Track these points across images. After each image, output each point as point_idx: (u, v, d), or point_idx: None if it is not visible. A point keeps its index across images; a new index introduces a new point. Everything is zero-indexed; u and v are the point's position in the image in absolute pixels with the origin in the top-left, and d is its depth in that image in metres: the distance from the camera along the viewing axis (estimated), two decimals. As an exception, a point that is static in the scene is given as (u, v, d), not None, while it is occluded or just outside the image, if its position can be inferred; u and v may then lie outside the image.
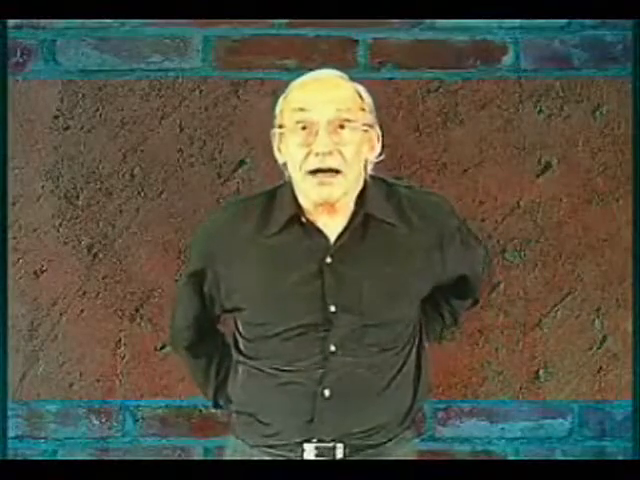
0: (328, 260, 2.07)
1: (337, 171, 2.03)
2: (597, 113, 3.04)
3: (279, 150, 2.12)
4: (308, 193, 2.05)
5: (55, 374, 3.04)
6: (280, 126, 2.10)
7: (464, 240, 2.21)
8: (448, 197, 2.26)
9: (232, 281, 2.13)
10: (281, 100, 2.13)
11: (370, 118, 2.10)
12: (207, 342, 2.25)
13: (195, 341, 2.24)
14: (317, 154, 2.03)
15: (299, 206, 2.10)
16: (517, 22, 3.00)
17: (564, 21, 3.00)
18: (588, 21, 2.99)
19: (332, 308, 2.07)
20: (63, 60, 3.02)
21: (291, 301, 2.08)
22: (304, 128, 2.05)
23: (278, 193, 2.14)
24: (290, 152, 2.07)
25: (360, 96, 2.10)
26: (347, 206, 2.10)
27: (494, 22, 3.00)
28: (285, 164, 2.11)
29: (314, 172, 2.03)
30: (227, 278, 2.13)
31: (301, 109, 2.06)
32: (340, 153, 2.04)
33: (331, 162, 2.03)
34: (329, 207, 2.07)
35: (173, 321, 2.28)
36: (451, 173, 3.03)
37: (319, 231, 2.09)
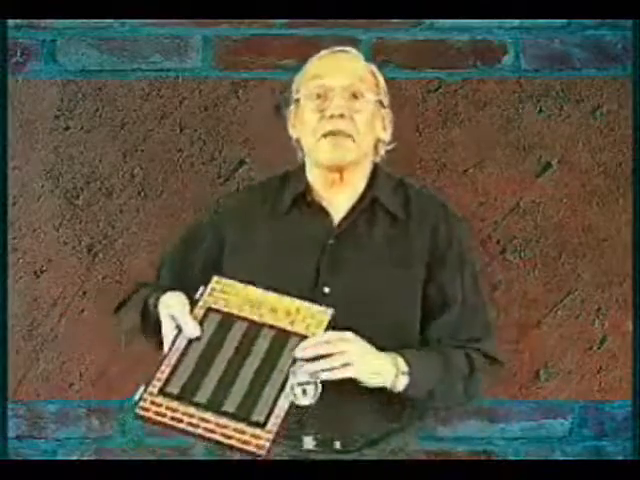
0: (331, 241, 2.08)
1: (349, 135, 2.06)
2: (597, 113, 3.04)
3: (293, 126, 2.16)
4: (320, 156, 2.08)
5: (55, 374, 3.04)
6: (296, 100, 2.13)
7: (465, 270, 2.14)
8: (450, 200, 2.27)
9: (236, 248, 2.12)
10: (298, 76, 2.16)
11: (383, 97, 2.15)
12: None
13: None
14: (331, 116, 2.05)
15: (307, 184, 2.12)
16: (517, 22, 3.00)
17: (564, 21, 3.01)
18: (588, 21, 3.00)
19: (326, 289, 2.05)
20: (63, 60, 3.02)
21: (288, 280, 2.05)
22: (319, 96, 2.08)
23: (291, 174, 2.19)
24: (305, 119, 2.11)
25: (374, 75, 2.14)
26: (355, 185, 2.12)
27: (494, 22, 3.00)
28: (298, 140, 2.14)
29: (327, 135, 2.06)
30: (232, 245, 2.13)
31: (317, 76, 2.10)
32: (352, 119, 2.07)
33: (343, 125, 2.06)
34: (338, 181, 2.09)
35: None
36: (451, 173, 3.03)
37: (325, 211, 2.11)
